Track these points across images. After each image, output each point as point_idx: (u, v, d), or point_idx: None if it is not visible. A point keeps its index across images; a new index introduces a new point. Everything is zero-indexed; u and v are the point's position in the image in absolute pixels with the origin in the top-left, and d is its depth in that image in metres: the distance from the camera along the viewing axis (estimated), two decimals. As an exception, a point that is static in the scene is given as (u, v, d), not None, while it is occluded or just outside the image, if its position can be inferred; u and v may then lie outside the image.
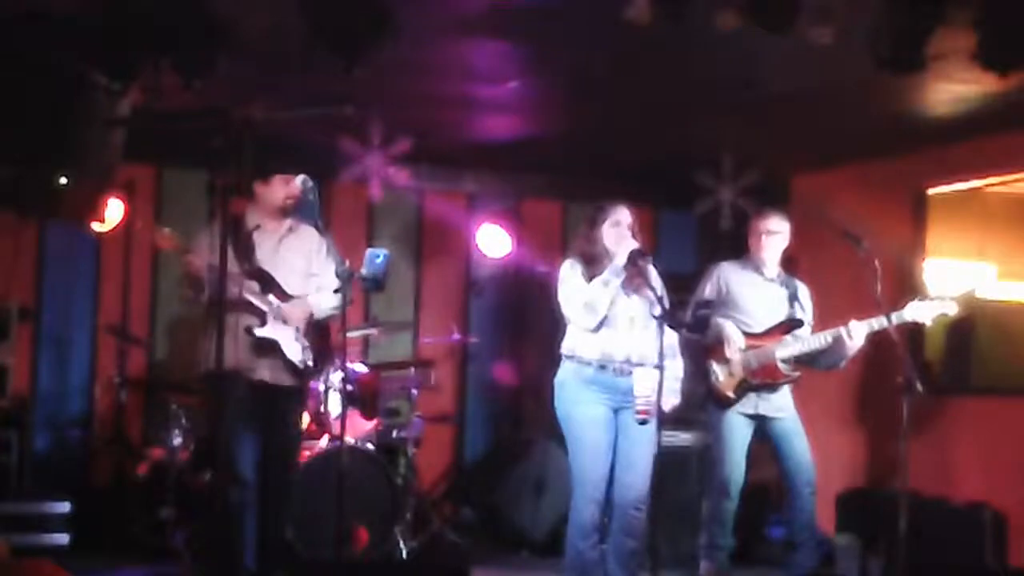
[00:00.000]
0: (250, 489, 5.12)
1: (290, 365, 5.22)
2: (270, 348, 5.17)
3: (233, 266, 5.04)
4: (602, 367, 5.14)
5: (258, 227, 5.27)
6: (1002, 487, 6.46)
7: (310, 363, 5.27)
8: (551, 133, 7.12)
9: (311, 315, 5.26)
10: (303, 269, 5.31)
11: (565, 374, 5.21)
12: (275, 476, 5.22)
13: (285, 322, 5.18)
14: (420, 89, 6.12)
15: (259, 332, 5.14)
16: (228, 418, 5.10)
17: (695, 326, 5.63)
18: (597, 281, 5.12)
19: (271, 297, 5.17)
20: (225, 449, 5.11)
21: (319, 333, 5.33)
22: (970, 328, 7.21)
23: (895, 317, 5.51)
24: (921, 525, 5.69)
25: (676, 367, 5.25)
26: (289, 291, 5.23)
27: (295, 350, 5.20)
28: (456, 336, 7.41)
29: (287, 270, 5.26)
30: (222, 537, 5.12)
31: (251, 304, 5.13)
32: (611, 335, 5.16)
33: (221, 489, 5.07)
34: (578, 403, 5.16)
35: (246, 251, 5.18)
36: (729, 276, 5.91)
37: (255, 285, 5.14)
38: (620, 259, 5.11)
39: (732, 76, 5.63)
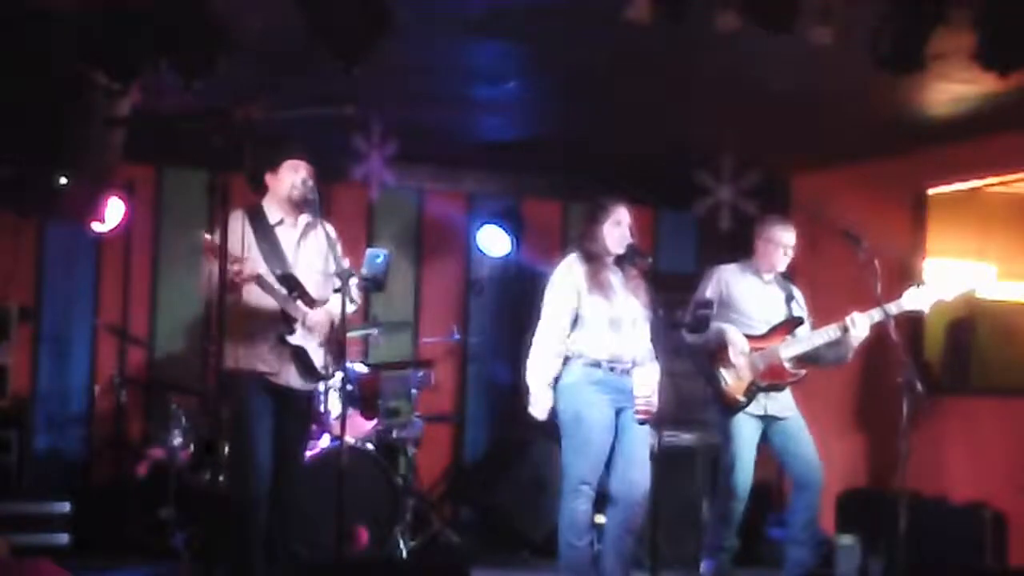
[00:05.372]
0: (264, 489, 5.02)
1: (312, 370, 5.12)
2: (296, 354, 5.07)
3: (261, 266, 4.99)
4: (611, 368, 5.16)
5: (281, 222, 5.13)
6: (1001, 487, 6.46)
7: (332, 368, 5.18)
8: (551, 133, 7.12)
9: (333, 322, 5.13)
10: (322, 268, 5.12)
11: (575, 376, 5.18)
12: (286, 478, 5.13)
13: (311, 330, 5.08)
14: (420, 89, 6.12)
15: (291, 340, 5.02)
16: (246, 420, 5.06)
17: (694, 326, 5.65)
18: (547, 375, 5.17)
19: (299, 303, 5.03)
20: (241, 451, 5.07)
21: (338, 335, 5.16)
22: (970, 328, 7.22)
23: (894, 307, 5.53)
24: (921, 525, 5.70)
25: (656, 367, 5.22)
26: (312, 293, 5.09)
27: (319, 356, 5.10)
28: (456, 336, 7.41)
29: (308, 270, 5.11)
30: (232, 538, 5.08)
31: (284, 312, 5.01)
32: (618, 337, 5.17)
33: (233, 491, 5.03)
34: (590, 405, 5.15)
35: (275, 251, 5.07)
36: (729, 279, 5.91)
37: (284, 291, 5.01)
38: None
39: (732, 76, 5.63)
